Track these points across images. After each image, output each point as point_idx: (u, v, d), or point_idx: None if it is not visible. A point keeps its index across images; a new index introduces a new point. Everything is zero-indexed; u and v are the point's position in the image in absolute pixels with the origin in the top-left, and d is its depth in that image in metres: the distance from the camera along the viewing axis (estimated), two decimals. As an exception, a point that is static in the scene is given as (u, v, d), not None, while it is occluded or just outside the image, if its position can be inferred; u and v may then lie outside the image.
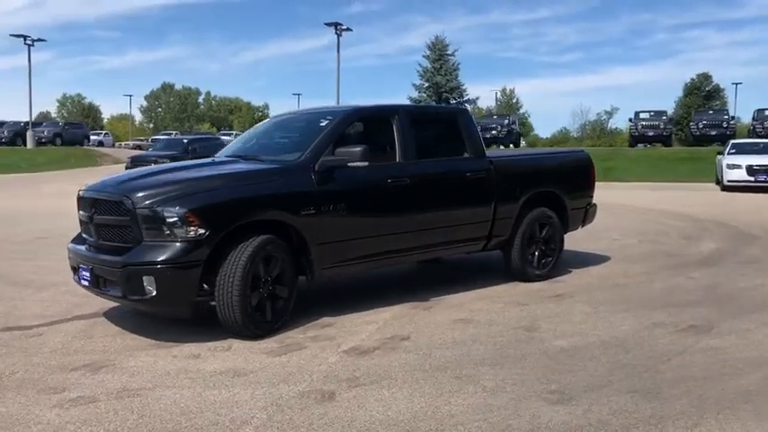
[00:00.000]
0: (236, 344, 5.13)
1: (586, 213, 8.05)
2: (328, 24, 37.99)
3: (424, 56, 32.03)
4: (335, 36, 38.60)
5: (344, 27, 38.93)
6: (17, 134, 46.20)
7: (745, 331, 5.40)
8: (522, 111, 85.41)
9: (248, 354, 4.92)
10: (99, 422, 3.70)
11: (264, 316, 5.34)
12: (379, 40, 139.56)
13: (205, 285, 5.15)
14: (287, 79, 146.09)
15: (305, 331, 5.48)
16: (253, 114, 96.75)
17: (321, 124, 6.10)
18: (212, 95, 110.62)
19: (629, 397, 4.02)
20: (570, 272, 7.93)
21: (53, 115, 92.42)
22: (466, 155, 6.89)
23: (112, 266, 5.10)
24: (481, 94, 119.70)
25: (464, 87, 31.92)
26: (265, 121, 7.42)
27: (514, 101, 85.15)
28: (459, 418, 3.74)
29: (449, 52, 31.87)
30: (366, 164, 5.77)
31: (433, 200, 6.50)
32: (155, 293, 4.96)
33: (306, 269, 5.71)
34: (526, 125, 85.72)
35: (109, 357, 4.85)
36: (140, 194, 5.14)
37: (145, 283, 4.95)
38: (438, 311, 6.10)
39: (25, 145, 43.95)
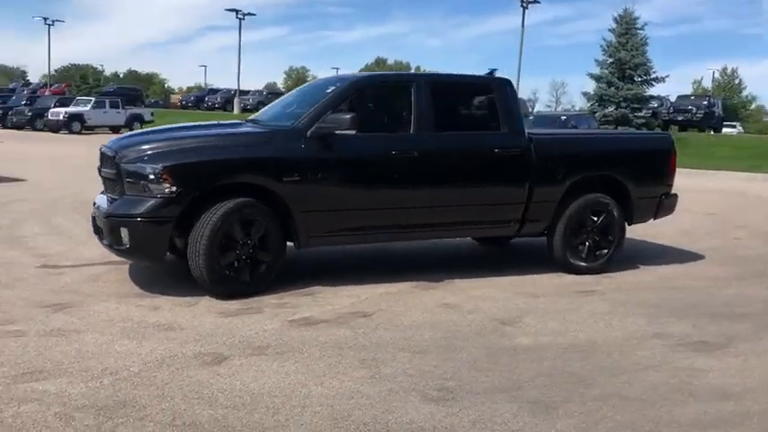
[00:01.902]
0: (204, 302, 5.25)
1: (660, 204, 7.07)
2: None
3: (609, 29, 29.82)
4: (526, 9, 37.51)
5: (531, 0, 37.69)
6: (227, 101, 51.14)
7: (760, 355, 4.45)
8: (745, 93, 76.82)
9: (202, 312, 5.02)
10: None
11: (239, 277, 5.40)
12: (598, 15, 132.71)
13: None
14: (505, 55, 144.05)
15: (281, 297, 5.46)
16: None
17: (327, 91, 5.96)
18: (422, 70, 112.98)
19: (521, 406, 3.52)
20: (638, 267, 7.06)
21: (279, 86, 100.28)
22: (501, 130, 6.34)
23: (102, 217, 5.45)
24: (695, 73, 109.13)
25: (651, 64, 29.20)
26: (302, 86, 7.41)
27: (737, 82, 76.69)
28: (313, 400, 3.53)
29: (638, 26, 29.36)
30: (353, 132, 5.56)
31: (449, 175, 6.09)
32: (128, 245, 5.23)
33: (293, 237, 5.68)
34: (753, 108, 76.93)
35: (82, 300, 5.22)
36: (126, 151, 5.43)
37: (122, 234, 5.23)
38: (434, 293, 5.76)
39: (233, 110, 48.27)
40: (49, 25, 54.57)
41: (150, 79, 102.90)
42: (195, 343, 4.32)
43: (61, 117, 33.51)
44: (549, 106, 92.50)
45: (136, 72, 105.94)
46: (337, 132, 5.54)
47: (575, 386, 3.82)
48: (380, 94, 6.24)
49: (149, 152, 5.31)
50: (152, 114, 37.90)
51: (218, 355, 4.11)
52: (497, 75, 6.62)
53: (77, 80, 64.12)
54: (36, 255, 6.77)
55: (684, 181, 18.56)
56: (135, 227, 5.18)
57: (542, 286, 6.17)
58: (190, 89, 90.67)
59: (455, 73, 6.40)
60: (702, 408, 3.58)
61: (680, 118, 33.49)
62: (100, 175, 5.89)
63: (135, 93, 51.03)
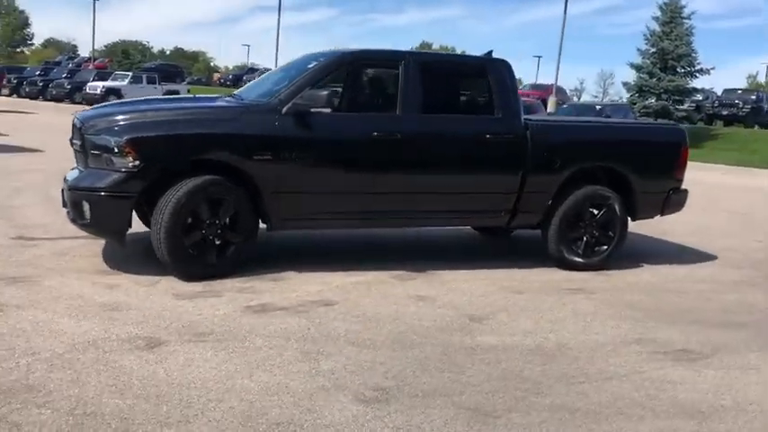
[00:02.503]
0: (165, 282, 5.05)
1: (667, 200, 6.62)
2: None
3: (653, 17, 28.76)
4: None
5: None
6: (265, 80, 51.20)
7: (745, 369, 4.05)
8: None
9: (159, 293, 4.82)
10: (-71, 327, 3.86)
11: (205, 259, 5.18)
12: (651, 4, 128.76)
13: None
14: (553, 42, 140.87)
15: (247, 281, 5.23)
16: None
17: (308, 67, 5.67)
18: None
19: (457, 413, 3.22)
20: (640, 266, 6.65)
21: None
22: (495, 115, 5.97)
23: (66, 189, 5.28)
24: (752, 68, 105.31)
25: (695, 56, 28.07)
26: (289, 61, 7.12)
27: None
28: (233, 394, 3.28)
29: (683, 15, 28.26)
30: (329, 111, 5.27)
31: (434, 160, 5.77)
32: (89, 219, 5.05)
33: (265, 218, 5.44)
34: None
35: (40, 275, 5.06)
36: (92, 122, 5.23)
37: (84, 208, 5.05)
38: (411, 284, 5.46)
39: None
40: (94, 0, 55.22)
41: (196, 57, 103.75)
42: (136, 325, 4.11)
43: (98, 91, 33.86)
44: (595, 96, 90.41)
45: (182, 50, 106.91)
46: (313, 110, 5.26)
47: (525, 393, 3.50)
48: (366, 72, 5.91)
49: (114, 124, 5.10)
50: (188, 91, 38.09)
51: (154, 340, 3.90)
52: (495, 56, 6.21)
53: (119, 54, 64.95)
54: (17, 225, 6.66)
55: (724, 178, 17.97)
56: (96, 201, 5.00)
57: (530, 282, 5.82)
58: (236, 68, 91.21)
59: (449, 53, 6.01)
60: (659, 426, 3.23)
61: (725, 112, 32.18)
62: (71, 146, 5.72)
63: (175, 70, 51.43)
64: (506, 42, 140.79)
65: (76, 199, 5.09)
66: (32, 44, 65.39)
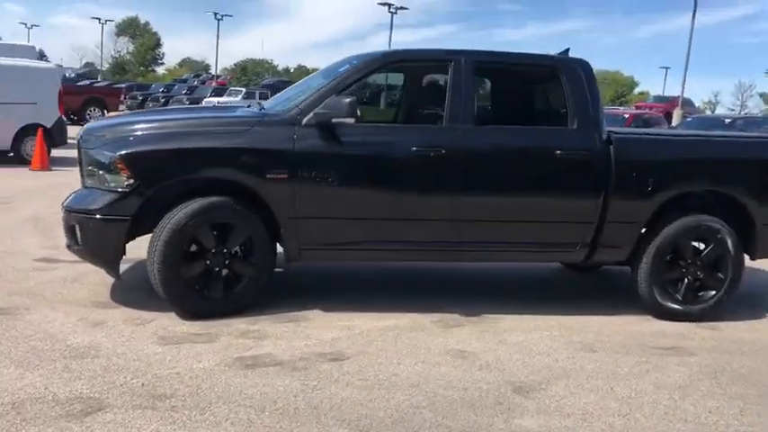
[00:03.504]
0: (159, 321, 4.34)
1: (799, 234, 5.19)
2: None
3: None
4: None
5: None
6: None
7: None
8: None
9: (144, 335, 4.10)
10: None
11: (210, 293, 4.44)
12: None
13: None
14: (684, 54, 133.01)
15: (255, 321, 4.43)
16: (616, 88, 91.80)
17: (339, 71, 4.81)
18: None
19: None
20: (763, 318, 5.27)
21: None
22: (569, 126, 4.85)
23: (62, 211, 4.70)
24: None
25: None
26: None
27: None
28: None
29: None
30: (352, 121, 4.38)
31: (488, 181, 4.73)
32: (81, 245, 4.43)
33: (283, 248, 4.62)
34: None
35: (32, 306, 4.51)
36: (91, 134, 4.63)
37: (76, 232, 4.45)
38: (455, 333, 4.45)
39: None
40: (218, 20, 57.71)
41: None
42: (87, 381, 3.39)
43: (213, 106, 34.87)
44: (731, 110, 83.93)
45: (305, 67, 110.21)
46: (339, 121, 4.39)
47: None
48: (406, 76, 5.02)
49: (109, 138, 4.47)
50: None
51: (95, 404, 3.14)
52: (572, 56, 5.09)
53: (238, 73, 67.46)
54: (50, 245, 6.22)
55: None
56: (86, 224, 4.37)
57: (608, 334, 4.63)
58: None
59: (512, 51, 4.97)
60: None
61: None
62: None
63: (287, 86, 52.52)
64: (635, 54, 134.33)
65: (69, 222, 4.50)
66: (163, 63, 69.46)
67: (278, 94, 5.62)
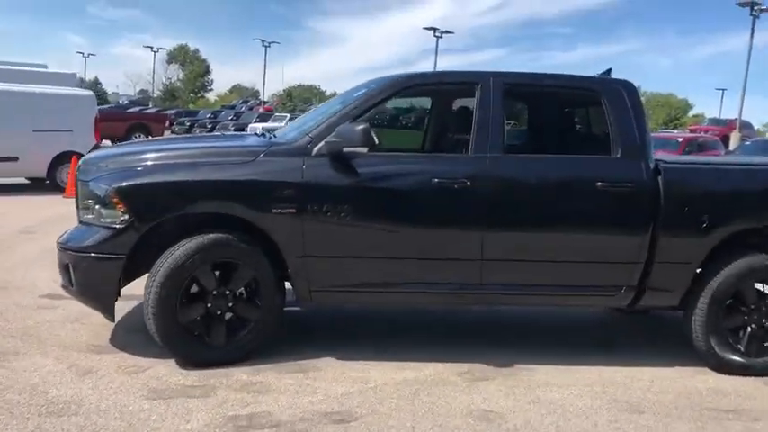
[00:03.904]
0: (157, 369, 3.97)
1: None
2: (741, 5, 32.01)
3: None
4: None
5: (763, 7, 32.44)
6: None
7: None
8: None
9: (136, 385, 3.73)
10: None
11: (211, 339, 4.05)
12: None
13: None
14: (750, 74, 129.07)
15: (260, 371, 4.02)
16: (669, 111, 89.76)
17: (354, 96, 4.41)
18: (642, 90, 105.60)
19: None
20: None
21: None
22: (612, 155, 4.34)
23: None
24: None
25: None
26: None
27: None
28: None
29: None
30: (365, 150, 3.96)
31: (519, 217, 4.24)
32: (74, 285, 4.10)
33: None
34: None
35: (23, 349, 4.21)
36: (88, 166, 4.32)
37: (70, 270, 4.13)
38: (479, 390, 3.94)
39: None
40: (266, 47, 58.59)
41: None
42: (56, 444, 3.00)
43: (257, 132, 35.09)
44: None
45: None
46: (353, 150, 3.98)
47: None
48: (427, 100, 4.56)
49: (110, 168, 4.15)
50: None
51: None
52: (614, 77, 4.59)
53: (284, 98, 68.10)
54: (58, 280, 5.90)
55: None
56: (79, 263, 4.04)
57: (658, 392, 4.06)
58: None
59: (547, 72, 4.49)
60: None
61: None
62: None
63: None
64: (689, 76, 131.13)
65: (63, 260, 4.18)
66: (212, 89, 70.82)
67: (293, 122, 5.25)
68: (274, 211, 4.00)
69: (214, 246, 3.97)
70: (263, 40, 58.77)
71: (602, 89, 4.42)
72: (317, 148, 4.09)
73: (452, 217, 4.16)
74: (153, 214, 3.95)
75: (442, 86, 4.58)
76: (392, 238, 4.14)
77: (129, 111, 27.98)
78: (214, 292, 4.03)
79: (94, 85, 74.87)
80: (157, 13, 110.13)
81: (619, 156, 4.30)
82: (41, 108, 11.73)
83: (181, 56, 71.99)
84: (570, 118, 4.99)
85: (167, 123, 32.77)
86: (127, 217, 3.91)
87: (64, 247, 4.15)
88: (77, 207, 4.29)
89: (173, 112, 43.31)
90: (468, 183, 4.11)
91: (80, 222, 4.23)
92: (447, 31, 47.31)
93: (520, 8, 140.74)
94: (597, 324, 5.67)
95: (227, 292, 4.06)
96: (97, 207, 4.04)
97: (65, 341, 4.40)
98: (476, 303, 4.83)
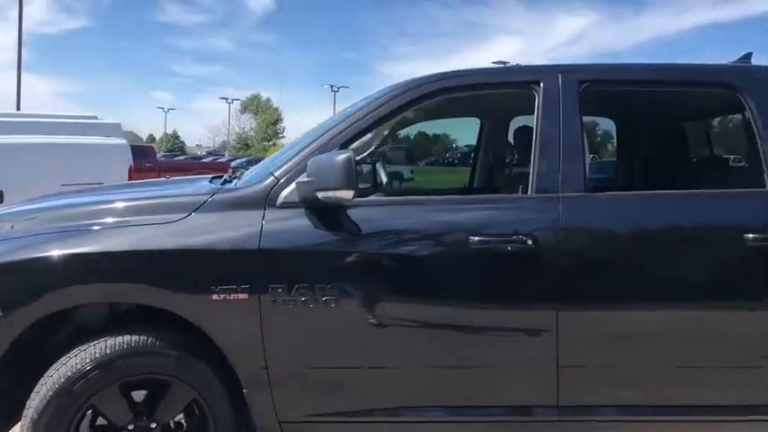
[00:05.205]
0: None
1: None
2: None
3: None
4: None
5: None
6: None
7: None
8: None
9: None
10: None
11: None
12: None
13: None
14: None
15: None
16: None
17: (348, 110, 2.90)
18: None
19: None
20: None
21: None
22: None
23: None
24: None
25: None
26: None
27: None
28: None
29: None
30: (351, 195, 2.42)
31: (618, 293, 2.59)
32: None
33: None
34: None
35: None
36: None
37: None
38: None
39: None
40: (335, 92, 58.79)
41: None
42: None
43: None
44: None
45: (425, 133, 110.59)
46: (322, 195, 2.46)
47: None
48: (456, 113, 2.99)
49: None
50: (411, 172, 37.22)
51: None
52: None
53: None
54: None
55: None
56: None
57: None
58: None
59: (646, 63, 2.85)
60: None
61: None
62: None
63: (409, 153, 51.87)
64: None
65: None
66: (284, 137, 71.17)
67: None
68: (215, 297, 2.50)
69: (124, 356, 2.50)
70: (332, 86, 58.88)
71: (742, 83, 2.74)
72: (284, 194, 2.60)
73: (504, 298, 2.57)
74: (31, 308, 2.52)
75: (481, 91, 2.94)
76: (406, 338, 2.58)
77: (187, 161, 27.58)
78: (130, 428, 2.54)
79: (173, 138, 76.95)
80: (237, 66, 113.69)
81: (781, 191, 2.60)
82: (70, 160, 10.89)
83: (253, 105, 72.88)
84: (692, 132, 3.31)
85: (230, 171, 32.34)
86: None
87: None
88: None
89: (243, 160, 43.22)
90: (531, 242, 2.50)
91: None
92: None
93: (593, 42, 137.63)
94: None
95: (153, 426, 2.57)
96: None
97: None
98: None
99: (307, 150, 2.69)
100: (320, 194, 2.44)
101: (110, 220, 2.63)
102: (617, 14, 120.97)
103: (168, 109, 75.91)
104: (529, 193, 2.64)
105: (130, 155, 12.09)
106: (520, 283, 2.56)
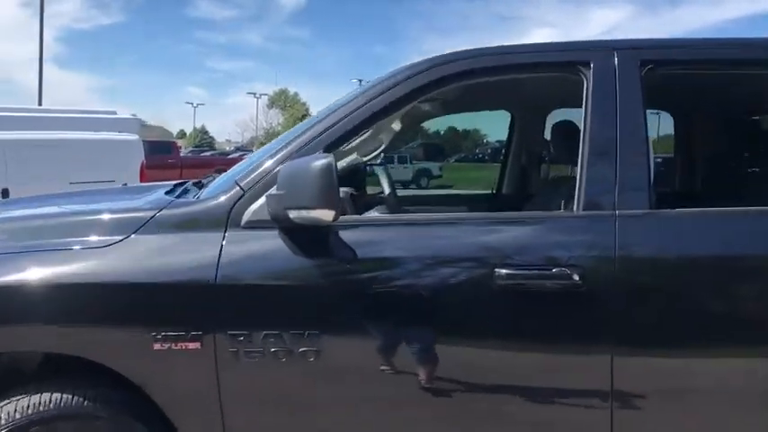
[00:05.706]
0: None
1: None
2: None
3: None
4: None
5: None
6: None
7: None
8: None
9: None
10: None
11: None
12: None
13: None
14: None
15: None
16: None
17: (338, 103, 2.26)
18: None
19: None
20: None
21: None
22: None
23: None
24: None
25: None
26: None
27: None
28: None
29: None
30: (331, 216, 1.78)
31: (687, 345, 1.95)
32: None
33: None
34: None
35: None
36: None
37: None
38: None
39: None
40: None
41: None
42: None
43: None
44: None
45: (454, 127, 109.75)
46: (294, 216, 1.83)
47: None
48: (484, 102, 2.33)
49: None
50: (440, 169, 36.73)
51: None
52: None
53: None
54: None
55: None
56: None
57: None
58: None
59: (722, 38, 2.16)
60: None
61: None
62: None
63: (438, 149, 51.25)
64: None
65: None
66: (312, 132, 70.58)
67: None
68: (157, 346, 1.89)
69: (40, 422, 1.91)
70: (360, 80, 58.32)
71: None
72: (251, 211, 1.98)
73: (540, 352, 1.92)
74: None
75: (511, 75, 2.21)
76: (414, 399, 1.94)
77: (212, 156, 27.23)
78: None
79: (202, 133, 77.12)
80: (268, 61, 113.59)
81: None
82: (79, 157, 10.44)
83: (281, 100, 72.63)
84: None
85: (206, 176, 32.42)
86: None
87: None
88: None
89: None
90: (576, 276, 1.85)
91: None
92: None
93: (629, 36, 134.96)
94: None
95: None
96: None
97: None
98: None
99: (283, 153, 2.06)
100: (291, 214, 1.82)
101: (21, 242, 2.03)
102: (652, 6, 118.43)
103: (197, 104, 76.02)
104: (574, 209, 1.99)
105: (143, 151, 11.63)
106: (564, 332, 1.91)
